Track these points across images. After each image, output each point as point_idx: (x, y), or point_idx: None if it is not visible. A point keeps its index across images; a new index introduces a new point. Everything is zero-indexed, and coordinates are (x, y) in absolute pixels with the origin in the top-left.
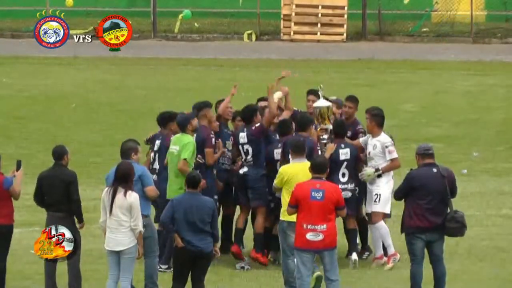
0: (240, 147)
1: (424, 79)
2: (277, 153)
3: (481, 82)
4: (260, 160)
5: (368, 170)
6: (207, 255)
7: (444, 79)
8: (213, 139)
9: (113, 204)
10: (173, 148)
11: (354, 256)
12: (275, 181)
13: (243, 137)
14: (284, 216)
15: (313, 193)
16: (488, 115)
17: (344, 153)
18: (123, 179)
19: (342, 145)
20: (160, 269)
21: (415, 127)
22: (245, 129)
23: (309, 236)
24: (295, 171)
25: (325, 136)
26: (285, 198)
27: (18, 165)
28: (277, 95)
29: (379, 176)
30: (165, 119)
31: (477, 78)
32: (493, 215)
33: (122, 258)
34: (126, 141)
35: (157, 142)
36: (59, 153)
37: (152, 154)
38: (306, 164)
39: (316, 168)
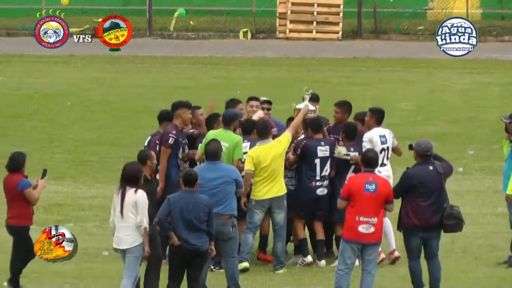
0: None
1: (420, 78)
2: None
3: (476, 80)
4: None
5: (340, 148)
6: (203, 254)
7: (440, 77)
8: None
9: (123, 203)
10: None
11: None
12: (246, 166)
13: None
14: (254, 196)
15: (366, 185)
16: (484, 113)
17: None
18: (131, 180)
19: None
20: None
21: (411, 126)
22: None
23: (361, 228)
24: (263, 153)
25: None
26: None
27: (44, 174)
28: (259, 114)
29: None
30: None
31: (473, 76)
32: (488, 214)
33: (126, 257)
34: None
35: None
36: None
37: None
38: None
39: (367, 162)
